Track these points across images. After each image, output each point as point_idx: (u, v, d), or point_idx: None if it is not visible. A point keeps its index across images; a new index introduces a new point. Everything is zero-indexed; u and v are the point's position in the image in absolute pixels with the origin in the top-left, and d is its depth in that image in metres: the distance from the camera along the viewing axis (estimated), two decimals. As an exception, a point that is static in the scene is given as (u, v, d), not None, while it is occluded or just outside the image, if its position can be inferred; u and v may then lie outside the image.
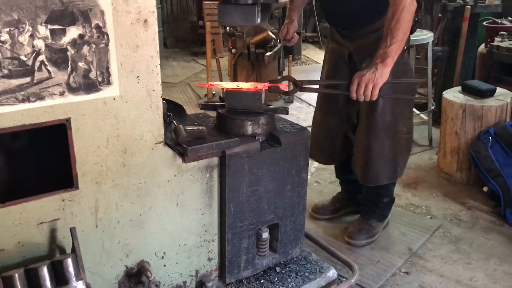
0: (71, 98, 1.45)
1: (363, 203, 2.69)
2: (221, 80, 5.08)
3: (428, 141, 3.90)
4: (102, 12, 1.43)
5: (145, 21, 1.51)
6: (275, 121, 2.00)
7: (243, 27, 4.80)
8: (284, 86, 1.96)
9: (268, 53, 2.45)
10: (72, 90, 1.45)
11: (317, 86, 2.10)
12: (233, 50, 4.75)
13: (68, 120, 1.46)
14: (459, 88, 3.28)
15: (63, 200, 1.53)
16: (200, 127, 1.83)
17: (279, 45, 2.67)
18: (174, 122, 1.90)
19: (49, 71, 1.39)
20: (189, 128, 1.79)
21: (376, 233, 2.63)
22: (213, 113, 2.10)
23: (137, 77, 1.55)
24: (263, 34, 4.62)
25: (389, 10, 2.01)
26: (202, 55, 6.90)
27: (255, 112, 1.94)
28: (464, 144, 3.13)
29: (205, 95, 5.18)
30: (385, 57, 1.94)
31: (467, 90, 3.17)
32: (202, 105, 2.07)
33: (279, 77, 2.24)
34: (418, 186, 3.29)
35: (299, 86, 1.94)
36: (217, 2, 5.00)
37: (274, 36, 4.63)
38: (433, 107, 3.86)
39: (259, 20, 1.88)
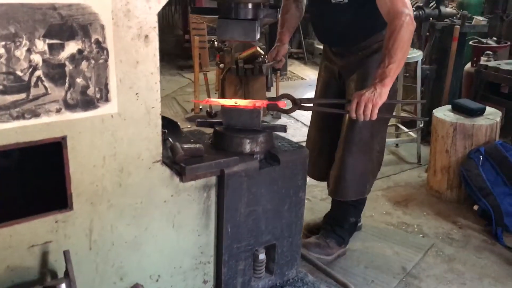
0: (67, 115, 1.39)
1: (327, 221, 2.66)
2: (208, 95, 5.04)
3: (416, 158, 3.92)
4: (102, 27, 1.38)
5: (146, 36, 1.47)
6: (273, 139, 1.97)
7: (232, 42, 4.78)
8: (283, 104, 1.92)
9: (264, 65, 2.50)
10: (69, 107, 1.39)
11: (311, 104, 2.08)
12: (221, 65, 4.72)
13: (64, 138, 1.40)
14: (449, 106, 3.30)
15: (56, 222, 1.45)
16: (197, 145, 1.78)
17: (271, 63, 2.59)
18: (170, 139, 1.85)
19: (45, 87, 1.33)
20: (186, 146, 1.74)
21: (330, 254, 2.60)
22: (208, 130, 2.06)
23: (136, 94, 1.50)
24: (252, 49, 4.60)
25: (387, 29, 2.00)
26: (188, 69, 6.87)
27: (253, 129, 1.90)
28: (455, 162, 3.14)
29: (192, 110, 5.12)
30: (383, 77, 1.93)
31: (457, 109, 3.19)
32: (199, 122, 2.02)
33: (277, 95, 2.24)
34: (409, 204, 3.28)
35: (298, 104, 1.91)
36: (202, 16, 4.98)
37: (262, 52, 4.62)
38: (421, 125, 3.88)
39: (258, 36, 1.85)
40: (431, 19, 3.83)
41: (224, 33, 1.81)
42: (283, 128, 1.95)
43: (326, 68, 2.54)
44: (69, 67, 1.36)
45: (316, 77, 2.64)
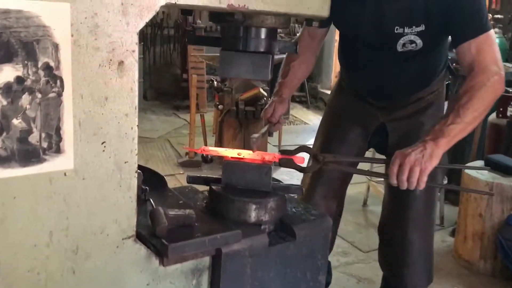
0: (-5, 173, 0.94)
1: None
2: (204, 138, 4.62)
3: (439, 219, 3.45)
4: (55, 46, 0.96)
5: (121, 63, 1.04)
6: (286, 204, 1.52)
7: (232, 82, 4.41)
8: (300, 160, 1.49)
9: (255, 135, 1.76)
10: (0, 160, 0.94)
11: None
12: (220, 106, 4.32)
13: (-12, 205, 0.95)
14: (481, 162, 2.87)
15: (-30, 329, 0.98)
16: (187, 211, 1.33)
17: (265, 127, 1.96)
18: (152, 200, 1.40)
19: (-39, 131, 0.89)
20: (171, 212, 1.30)
21: None
22: (202, 187, 1.62)
23: (102, 143, 1.06)
24: (254, 90, 4.23)
25: (466, 82, 1.57)
26: (184, 110, 6.48)
27: (261, 191, 1.46)
28: (490, 228, 2.69)
29: (186, 154, 4.68)
30: (439, 136, 1.48)
31: (492, 166, 2.76)
32: (190, 178, 1.58)
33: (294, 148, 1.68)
34: (435, 274, 2.79)
35: (320, 161, 1.47)
36: (203, 53, 4.56)
37: (265, 94, 4.24)
38: (445, 182, 3.45)
39: (271, 74, 1.43)
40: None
41: (228, 70, 1.39)
42: (300, 190, 1.51)
43: (353, 104, 2.03)
44: (1, 102, 0.93)
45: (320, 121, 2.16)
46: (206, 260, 1.30)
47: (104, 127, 1.05)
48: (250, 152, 1.52)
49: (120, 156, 1.09)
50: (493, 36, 1.66)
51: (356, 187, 3.74)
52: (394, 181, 1.45)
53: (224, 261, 1.28)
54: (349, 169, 1.67)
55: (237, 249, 1.30)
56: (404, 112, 1.94)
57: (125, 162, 1.10)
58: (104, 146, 1.06)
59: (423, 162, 1.43)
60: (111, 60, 1.03)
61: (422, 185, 1.45)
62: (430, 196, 1.98)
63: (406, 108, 1.94)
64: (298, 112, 6.87)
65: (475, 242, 2.78)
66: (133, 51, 1.05)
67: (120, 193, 1.11)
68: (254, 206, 1.41)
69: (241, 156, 1.50)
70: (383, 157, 1.89)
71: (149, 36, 7.03)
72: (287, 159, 1.48)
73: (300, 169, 1.48)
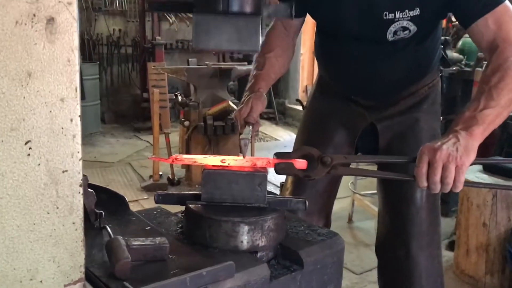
0: None
1: None
2: (170, 159, 4.22)
3: (433, 232, 3.18)
4: None
5: (50, 20, 0.69)
6: (285, 223, 1.18)
7: (198, 96, 4.07)
8: (302, 164, 1.16)
9: (246, 137, 1.42)
10: None
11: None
12: (186, 123, 3.96)
13: None
14: (479, 167, 2.63)
15: None
16: (157, 239, 0.98)
17: (250, 127, 1.56)
18: (109, 228, 1.05)
19: None
20: (136, 243, 0.95)
21: None
22: (175, 207, 1.26)
23: (26, 143, 0.70)
24: (223, 104, 3.90)
25: (493, 59, 1.30)
26: (146, 131, 6.08)
27: (254, 207, 1.12)
28: (496, 239, 2.43)
29: (150, 177, 4.27)
30: (472, 124, 1.19)
31: (492, 170, 2.52)
32: (159, 197, 1.21)
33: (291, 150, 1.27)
34: (438, 295, 2.50)
35: (328, 165, 1.14)
36: (163, 67, 4.14)
37: (235, 107, 3.91)
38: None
39: (260, 44, 1.10)
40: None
41: (205, 40, 1.05)
42: (303, 204, 1.18)
43: (337, 104, 1.74)
44: None
45: (291, 137, 1.80)
46: (188, 306, 0.94)
47: (27, 118, 0.69)
48: (237, 158, 1.18)
49: (54, 163, 0.73)
50: (510, 6, 1.41)
51: (339, 202, 3.44)
52: (424, 184, 1.14)
53: (213, 306, 0.92)
54: (363, 172, 1.34)
55: (229, 288, 0.94)
56: (396, 108, 1.66)
57: (64, 172, 0.74)
58: (29, 148, 0.70)
59: (458, 157, 1.13)
60: (34, 15, 0.68)
61: (460, 186, 1.14)
62: (434, 205, 1.70)
63: (398, 104, 1.66)
64: (268, 128, 6.57)
65: (480, 255, 2.51)
66: (69, 3, 0.70)
67: (57, 218, 0.74)
68: (247, 228, 1.07)
69: (225, 164, 1.16)
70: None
71: (106, 55, 6.62)
72: (285, 164, 1.14)
73: (303, 175, 1.15)
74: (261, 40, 1.07)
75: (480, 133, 1.19)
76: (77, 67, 0.72)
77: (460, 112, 1.27)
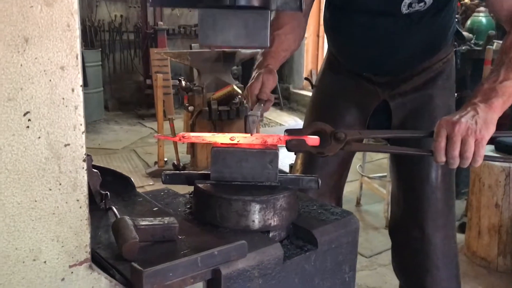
0: None
1: None
2: (175, 146, 4.19)
3: (442, 214, 3.14)
4: None
5: (47, -20, 0.64)
6: (298, 202, 1.14)
7: (202, 81, 4.02)
8: (314, 141, 1.11)
9: (255, 113, 1.28)
10: None
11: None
12: (190, 108, 3.91)
13: None
14: (491, 147, 2.57)
15: None
16: (166, 219, 0.94)
17: (257, 106, 1.46)
18: (115, 209, 1.01)
19: None
20: (143, 223, 0.91)
21: None
22: (183, 188, 1.22)
23: (25, 114, 0.66)
24: (227, 88, 3.84)
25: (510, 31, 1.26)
26: (150, 118, 6.04)
27: (265, 186, 1.07)
28: (508, 219, 2.38)
29: (155, 163, 4.24)
30: (492, 96, 1.14)
31: (505, 150, 2.46)
32: (167, 177, 1.17)
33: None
34: (449, 277, 2.46)
35: (341, 141, 1.10)
36: (166, 51, 4.08)
37: (239, 91, 3.86)
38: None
39: (268, 42, 1.05)
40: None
41: (212, 36, 0.98)
42: (315, 182, 1.14)
43: (348, 81, 1.68)
44: None
45: (296, 122, 1.71)
46: (199, 287, 0.90)
47: (25, 87, 0.65)
48: (246, 135, 1.14)
49: (55, 136, 0.68)
50: None
51: (347, 186, 3.39)
52: (442, 159, 1.09)
53: (225, 287, 0.88)
54: (379, 148, 1.29)
55: (242, 268, 0.91)
56: (409, 85, 1.60)
57: (66, 145, 0.69)
58: (28, 120, 0.66)
59: (477, 130, 1.08)
60: (29, -26, 0.63)
61: (480, 161, 1.09)
62: (450, 184, 1.65)
63: (412, 80, 1.60)
64: (272, 114, 6.51)
65: (492, 236, 2.46)
66: (67, -38, 0.65)
67: (60, 194, 0.70)
68: (258, 207, 1.02)
69: (235, 142, 1.11)
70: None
71: (108, 42, 6.56)
72: (297, 141, 1.10)
73: (316, 152, 1.10)
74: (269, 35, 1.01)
75: (500, 106, 1.14)
76: (78, 33, 0.67)
77: (479, 84, 1.22)
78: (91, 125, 5.67)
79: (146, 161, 4.47)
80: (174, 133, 4.33)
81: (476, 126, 1.08)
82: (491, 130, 1.10)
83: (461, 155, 1.08)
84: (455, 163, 1.09)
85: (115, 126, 5.92)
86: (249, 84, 1.48)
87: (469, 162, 1.09)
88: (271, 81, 1.46)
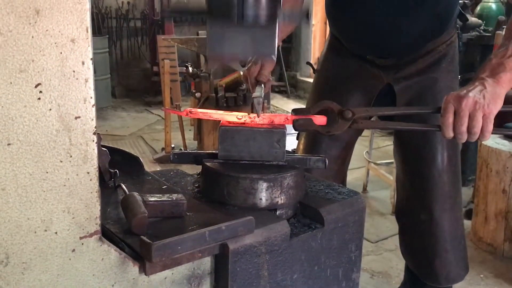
0: None
1: None
2: (182, 131, 4.20)
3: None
4: None
5: (57, -47, 0.65)
6: (305, 181, 1.14)
7: (208, 67, 4.02)
8: (322, 120, 1.11)
9: (259, 94, 1.28)
10: None
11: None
12: (197, 94, 3.91)
13: None
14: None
15: None
16: (174, 196, 0.95)
17: (262, 86, 1.45)
18: (124, 186, 1.02)
19: None
20: (152, 199, 0.92)
21: None
22: (191, 168, 1.24)
23: (36, 85, 0.66)
24: (234, 74, 3.83)
25: None
26: (157, 105, 6.05)
27: (272, 165, 1.08)
28: (515, 205, 2.38)
29: (162, 149, 4.26)
30: (499, 71, 1.13)
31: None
32: (175, 156, 1.18)
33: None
34: (456, 263, 2.47)
35: (349, 119, 1.10)
36: (174, 37, 4.07)
37: (247, 77, 3.85)
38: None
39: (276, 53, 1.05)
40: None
41: (219, 50, 0.98)
42: (322, 162, 1.14)
43: (351, 65, 1.67)
44: None
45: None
46: (207, 261, 0.92)
47: (36, 59, 0.65)
48: (254, 114, 1.14)
49: (66, 108, 0.69)
50: None
51: (354, 172, 3.40)
52: (450, 134, 1.09)
53: (232, 262, 0.90)
54: (386, 124, 1.29)
55: (249, 244, 0.92)
56: (413, 68, 1.59)
57: (76, 118, 0.70)
58: (40, 92, 0.67)
59: (485, 105, 1.08)
60: None
61: (488, 135, 1.09)
62: (456, 166, 1.65)
63: (416, 63, 1.59)
64: (279, 102, 6.50)
65: (499, 222, 2.46)
66: None
67: (71, 166, 0.71)
68: (265, 185, 1.03)
69: (242, 121, 1.12)
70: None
71: (115, 29, 6.55)
72: (304, 120, 1.10)
73: (324, 131, 1.10)
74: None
75: (508, 80, 1.13)
76: (88, 6, 0.68)
77: (487, 59, 1.21)
78: (98, 112, 5.55)
79: (153, 147, 4.49)
80: (181, 120, 4.33)
81: (484, 101, 1.08)
82: (499, 105, 1.10)
83: (469, 130, 1.08)
84: (463, 138, 1.09)
85: (123, 113, 5.94)
86: (247, 67, 1.48)
87: (477, 137, 1.09)
88: (269, 63, 1.46)
